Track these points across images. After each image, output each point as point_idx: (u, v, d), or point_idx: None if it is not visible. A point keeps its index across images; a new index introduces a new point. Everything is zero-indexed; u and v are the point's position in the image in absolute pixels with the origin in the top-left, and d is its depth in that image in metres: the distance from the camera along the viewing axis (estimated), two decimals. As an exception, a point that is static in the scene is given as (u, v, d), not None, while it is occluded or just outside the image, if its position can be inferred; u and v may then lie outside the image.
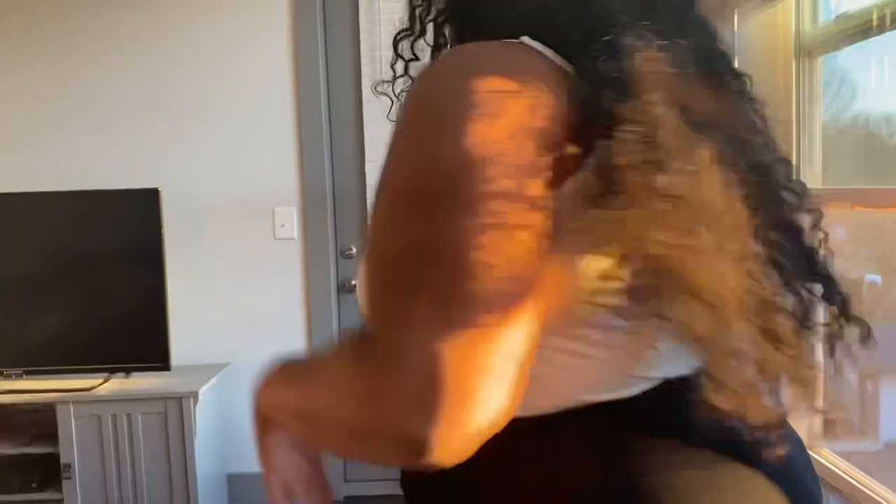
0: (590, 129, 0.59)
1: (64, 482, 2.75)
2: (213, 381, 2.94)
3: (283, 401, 0.79)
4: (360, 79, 3.20)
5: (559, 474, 0.67)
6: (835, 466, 1.57)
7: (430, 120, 0.60)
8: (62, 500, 2.77)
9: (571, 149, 0.60)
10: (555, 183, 0.59)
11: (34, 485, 2.82)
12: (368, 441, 0.59)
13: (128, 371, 2.92)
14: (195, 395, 2.74)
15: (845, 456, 1.60)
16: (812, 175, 1.69)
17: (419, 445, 0.53)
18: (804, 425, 1.72)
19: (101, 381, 2.85)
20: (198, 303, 3.17)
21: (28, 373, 2.88)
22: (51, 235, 2.92)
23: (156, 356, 2.86)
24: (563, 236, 0.59)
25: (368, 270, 0.61)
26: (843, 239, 1.86)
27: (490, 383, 0.54)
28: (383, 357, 0.56)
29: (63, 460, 2.74)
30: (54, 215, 2.91)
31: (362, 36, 3.15)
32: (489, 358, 0.53)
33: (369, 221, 0.61)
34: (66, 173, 3.06)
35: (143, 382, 2.87)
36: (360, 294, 0.67)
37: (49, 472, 2.82)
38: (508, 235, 0.55)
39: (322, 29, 3.17)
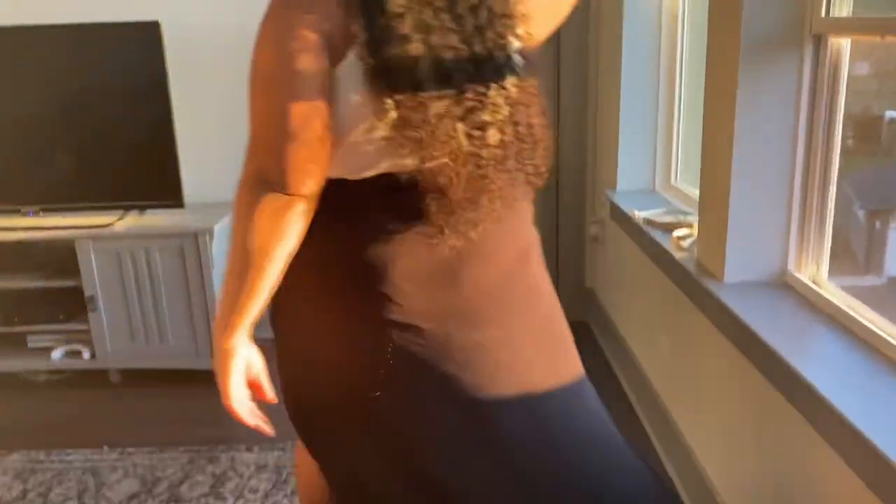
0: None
1: (90, 314, 2.86)
2: (227, 217, 2.97)
3: (226, 295, 1.28)
4: None
5: (320, 230, 1.19)
6: (839, 301, 1.60)
7: (263, 34, 1.20)
8: (89, 330, 2.90)
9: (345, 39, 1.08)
10: (340, 58, 1.09)
11: (62, 316, 2.94)
12: (257, 200, 1.14)
13: (142, 208, 2.95)
14: (210, 231, 2.78)
15: (850, 291, 1.63)
16: (843, 3, 1.60)
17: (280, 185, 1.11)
18: (807, 257, 1.74)
19: (116, 218, 2.90)
20: (206, 139, 3.15)
21: (44, 210, 2.92)
22: (55, 70, 2.85)
23: (168, 193, 2.88)
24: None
25: (251, 131, 1.18)
26: (865, 73, 1.80)
27: (301, 164, 1.11)
28: (262, 158, 1.17)
29: (87, 293, 2.84)
30: (57, 49, 2.84)
31: None
32: (299, 155, 1.11)
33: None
34: (66, 5, 2.95)
35: (157, 219, 2.91)
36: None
37: (73, 305, 2.93)
38: (310, 104, 1.10)
39: None
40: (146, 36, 2.74)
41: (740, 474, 1.78)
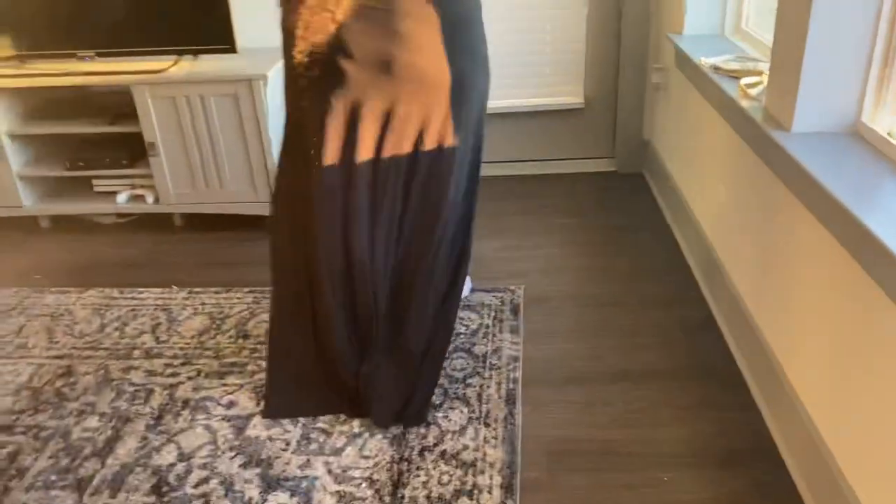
0: None
1: (151, 159, 2.93)
2: (280, 63, 2.93)
3: None
4: None
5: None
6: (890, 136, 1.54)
7: None
8: (151, 175, 2.97)
9: None
10: None
11: (125, 161, 3.01)
12: None
13: (195, 53, 2.93)
14: (264, 77, 2.76)
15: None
16: None
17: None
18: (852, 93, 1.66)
19: (170, 63, 2.89)
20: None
21: (99, 55, 2.92)
22: None
23: (221, 38, 2.84)
24: None
25: None
26: None
27: None
28: None
29: (147, 139, 2.89)
30: None
31: None
32: None
33: None
34: None
35: (211, 65, 2.89)
36: None
37: (135, 150, 2.99)
38: None
39: None
40: None
41: (801, 335, 1.80)
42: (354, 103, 1.74)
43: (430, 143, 1.80)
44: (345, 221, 1.83)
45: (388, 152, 1.79)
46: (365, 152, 1.78)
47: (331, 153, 1.78)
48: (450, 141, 1.81)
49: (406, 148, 1.80)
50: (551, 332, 2.29)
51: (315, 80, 1.75)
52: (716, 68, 2.29)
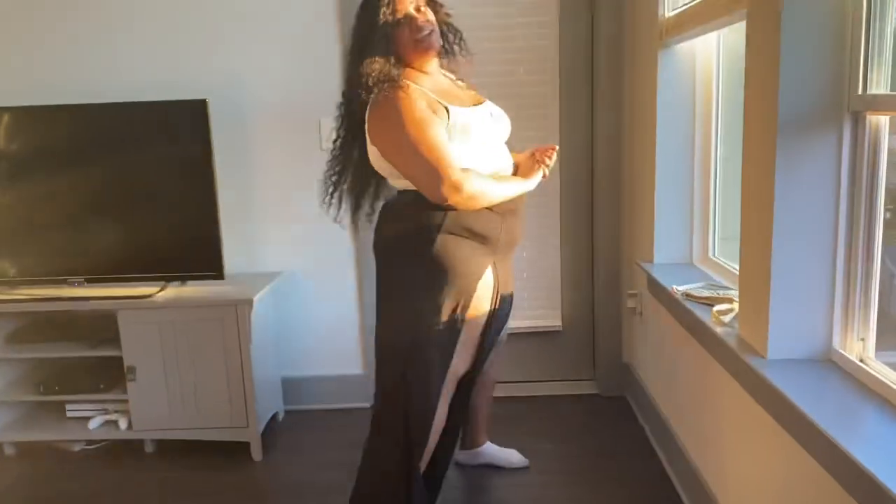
0: None
1: (129, 384, 2.89)
2: (267, 289, 3.01)
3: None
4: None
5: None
6: (887, 378, 1.57)
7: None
8: (127, 399, 2.92)
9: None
10: None
11: (102, 386, 2.97)
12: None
13: (183, 279, 3.01)
14: (250, 303, 2.82)
15: (894, 367, 1.59)
16: (881, 77, 1.61)
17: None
18: (852, 334, 1.71)
19: (158, 289, 2.95)
20: (248, 213, 3.23)
21: (89, 281, 2.99)
22: (105, 148, 2.96)
23: (210, 265, 2.93)
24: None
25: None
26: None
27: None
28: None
29: (127, 363, 2.87)
30: (106, 128, 2.95)
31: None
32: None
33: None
34: (117, 85, 3.09)
35: (198, 290, 2.96)
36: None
37: (113, 375, 2.96)
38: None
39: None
40: (194, 113, 2.84)
41: (790, 560, 1.71)
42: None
43: None
44: None
45: None
46: None
47: None
48: None
49: None
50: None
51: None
52: (687, 295, 2.38)
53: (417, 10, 2.10)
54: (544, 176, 2.25)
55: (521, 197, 2.22)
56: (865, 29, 1.62)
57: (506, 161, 2.23)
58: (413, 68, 2.12)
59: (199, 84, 3.04)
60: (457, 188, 1.99)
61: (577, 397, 3.41)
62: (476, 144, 2.10)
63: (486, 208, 2.11)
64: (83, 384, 2.98)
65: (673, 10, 2.65)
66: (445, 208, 2.05)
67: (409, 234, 2.11)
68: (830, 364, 1.75)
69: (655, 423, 2.90)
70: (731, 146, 2.58)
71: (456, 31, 2.28)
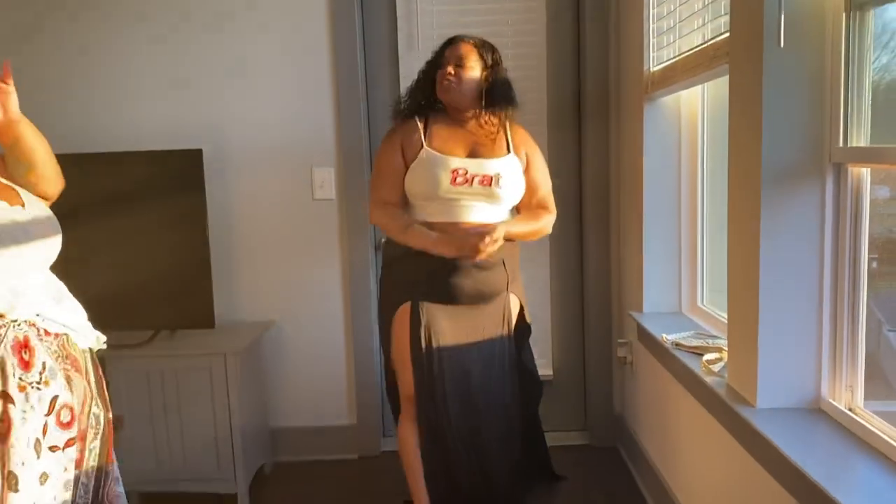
0: None
1: (115, 435, 2.85)
2: (256, 338, 3.00)
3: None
4: (396, 40, 3.19)
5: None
6: (876, 428, 1.57)
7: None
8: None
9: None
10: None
11: (87, 436, 2.92)
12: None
13: (173, 329, 2.99)
14: (238, 353, 2.81)
15: (886, 417, 1.60)
16: (860, 132, 1.65)
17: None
18: (842, 385, 1.71)
19: (147, 338, 2.94)
20: (239, 262, 3.23)
21: (78, 329, 2.97)
22: (97, 196, 2.96)
23: (200, 315, 2.92)
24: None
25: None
26: (887, 197, 1.83)
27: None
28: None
29: (114, 412, 2.83)
30: (99, 176, 2.96)
31: (398, 1, 3.19)
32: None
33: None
34: (110, 134, 3.12)
35: (187, 340, 2.94)
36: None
37: (100, 424, 2.92)
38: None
39: (359, -13, 3.17)
40: (188, 163, 2.86)
41: None
42: None
43: None
44: None
45: None
46: None
47: None
48: None
49: None
50: None
51: None
52: (677, 344, 2.38)
53: (458, 63, 2.38)
54: (471, 257, 2.31)
55: (470, 256, 2.31)
56: (845, 83, 1.67)
57: (466, 216, 2.37)
58: (444, 107, 2.46)
59: (192, 134, 3.07)
60: (371, 209, 2.47)
61: (569, 448, 3.38)
62: (431, 188, 2.35)
63: (419, 255, 2.35)
64: (68, 435, 2.93)
65: (658, 64, 2.72)
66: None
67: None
68: (820, 413, 1.75)
69: (648, 474, 2.87)
70: (717, 196, 2.62)
71: (510, 99, 2.43)
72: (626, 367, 3.19)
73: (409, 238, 2.37)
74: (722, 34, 2.06)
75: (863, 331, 1.70)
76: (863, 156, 1.66)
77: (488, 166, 2.36)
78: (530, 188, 2.48)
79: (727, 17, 1.96)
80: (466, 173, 2.34)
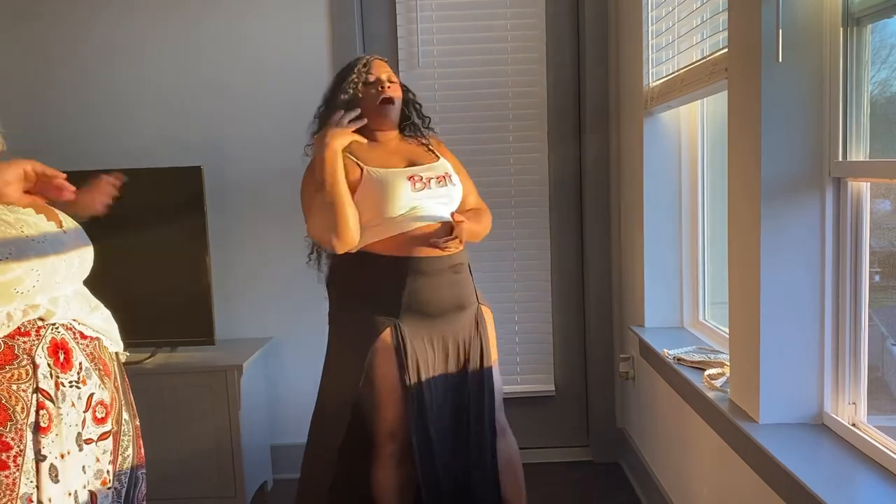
0: None
1: (115, 452, 2.84)
2: (257, 354, 3.00)
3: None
4: (398, 60, 3.21)
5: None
6: (879, 443, 1.56)
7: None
8: (113, 469, 2.86)
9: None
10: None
11: (87, 454, 2.91)
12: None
13: (173, 345, 2.99)
14: (239, 369, 2.80)
15: (889, 431, 1.59)
16: (860, 146, 1.66)
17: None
18: (841, 399, 1.71)
19: (147, 355, 2.93)
20: (240, 278, 3.23)
21: (79, 346, 2.96)
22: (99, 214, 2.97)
23: (200, 331, 2.92)
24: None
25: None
26: (888, 210, 1.83)
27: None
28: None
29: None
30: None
31: (399, 21, 3.22)
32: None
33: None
34: (112, 151, 3.13)
35: (188, 356, 2.94)
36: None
37: (100, 442, 2.91)
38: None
39: (359, 8, 3.19)
40: (189, 180, 2.87)
41: None
42: None
43: None
44: None
45: None
46: None
47: None
48: None
49: None
50: None
51: None
52: (679, 359, 2.38)
53: (389, 80, 2.27)
54: (441, 247, 2.18)
55: (445, 261, 2.19)
56: (843, 98, 1.67)
57: (428, 219, 2.20)
58: (371, 128, 2.26)
59: (193, 151, 3.08)
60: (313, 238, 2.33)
61: (571, 464, 3.36)
62: (391, 201, 2.17)
63: (374, 262, 2.20)
64: (68, 453, 2.92)
65: (657, 79, 2.73)
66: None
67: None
68: (822, 428, 1.74)
69: (651, 490, 2.85)
70: (717, 210, 2.62)
71: (423, 117, 2.40)
72: (628, 383, 3.18)
73: (330, 189, 2.14)
74: (720, 50, 2.07)
75: (865, 345, 1.69)
76: (862, 170, 1.66)
77: (436, 167, 2.29)
78: (463, 193, 2.33)
79: (725, 33, 1.97)
80: (422, 178, 2.22)
